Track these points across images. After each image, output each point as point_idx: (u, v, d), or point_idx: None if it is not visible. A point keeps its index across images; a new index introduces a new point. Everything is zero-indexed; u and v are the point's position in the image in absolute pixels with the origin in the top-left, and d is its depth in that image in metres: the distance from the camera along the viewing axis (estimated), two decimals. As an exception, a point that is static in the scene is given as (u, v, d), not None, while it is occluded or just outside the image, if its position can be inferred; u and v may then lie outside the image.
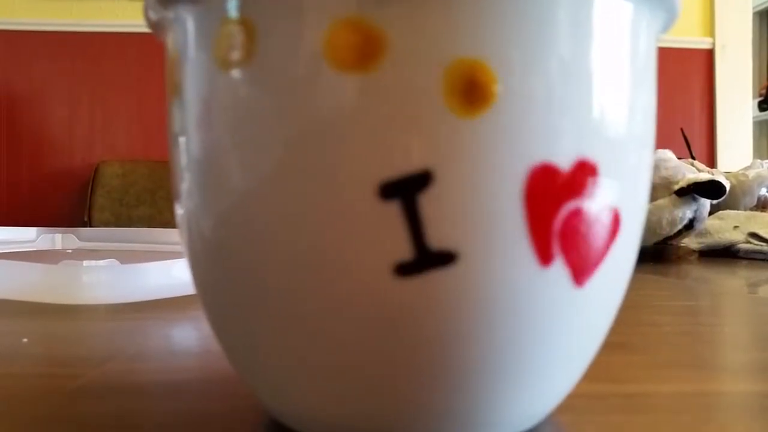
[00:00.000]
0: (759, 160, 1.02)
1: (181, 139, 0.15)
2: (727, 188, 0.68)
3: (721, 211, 0.81)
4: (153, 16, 0.16)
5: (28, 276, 0.36)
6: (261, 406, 0.19)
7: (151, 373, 0.23)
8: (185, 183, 0.15)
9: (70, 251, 0.71)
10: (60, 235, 0.74)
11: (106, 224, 2.11)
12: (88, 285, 0.36)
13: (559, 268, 0.14)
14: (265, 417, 0.18)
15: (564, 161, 0.14)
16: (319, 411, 0.15)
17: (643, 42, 0.15)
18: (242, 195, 0.14)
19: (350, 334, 0.14)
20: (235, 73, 0.14)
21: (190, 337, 0.30)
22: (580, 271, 0.15)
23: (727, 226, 0.75)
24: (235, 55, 0.14)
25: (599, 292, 0.15)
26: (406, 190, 0.13)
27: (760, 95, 2.44)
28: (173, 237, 0.69)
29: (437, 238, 0.13)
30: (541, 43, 0.13)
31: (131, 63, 2.30)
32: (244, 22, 0.14)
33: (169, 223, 2.17)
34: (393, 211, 0.13)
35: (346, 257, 0.14)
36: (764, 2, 2.58)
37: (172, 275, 0.38)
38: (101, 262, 0.41)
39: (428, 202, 0.13)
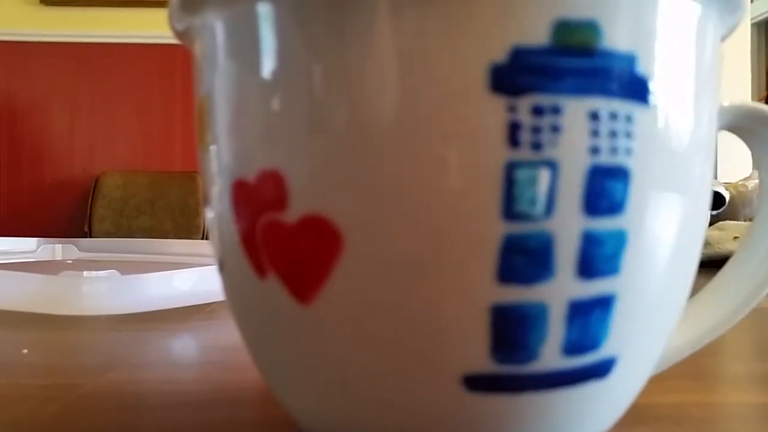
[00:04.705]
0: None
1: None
2: (727, 199, 0.68)
3: (721, 222, 0.81)
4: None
5: (29, 287, 0.36)
6: (262, 417, 0.19)
7: (152, 384, 0.23)
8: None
9: (70, 262, 0.71)
10: (60, 246, 0.74)
11: (107, 235, 2.11)
12: (89, 295, 0.35)
13: (274, 281, 0.14)
14: (265, 427, 0.18)
15: (251, 175, 0.14)
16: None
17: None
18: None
19: None
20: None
21: (191, 347, 0.30)
22: (300, 288, 0.14)
23: (727, 237, 0.75)
24: None
25: (331, 314, 0.13)
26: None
27: (759, 106, 2.44)
28: (173, 248, 0.69)
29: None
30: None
31: (132, 73, 2.31)
32: None
33: (168, 233, 2.17)
34: None
35: None
36: (763, 13, 2.59)
37: (172, 286, 0.38)
38: (102, 273, 0.41)
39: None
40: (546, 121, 0.12)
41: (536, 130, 0.12)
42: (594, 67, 0.12)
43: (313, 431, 0.16)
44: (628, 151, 0.13)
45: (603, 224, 0.13)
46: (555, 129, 0.12)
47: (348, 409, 0.15)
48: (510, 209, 0.12)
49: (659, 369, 0.18)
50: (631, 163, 0.13)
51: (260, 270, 0.14)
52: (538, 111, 0.12)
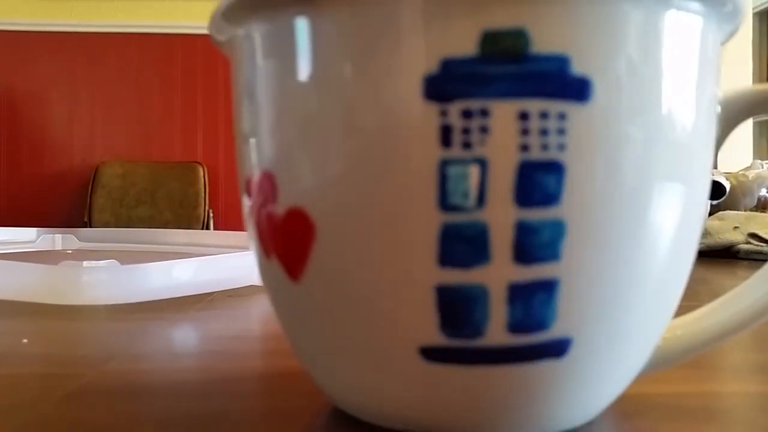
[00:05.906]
0: (759, 161, 1.02)
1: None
2: (727, 189, 0.68)
3: (721, 212, 0.81)
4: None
5: (29, 276, 0.36)
6: (262, 407, 0.19)
7: (152, 374, 0.23)
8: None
9: (70, 252, 0.71)
10: (60, 236, 0.74)
11: (106, 225, 2.11)
12: (88, 285, 0.36)
13: (275, 261, 0.16)
14: (265, 417, 0.18)
15: (256, 175, 0.16)
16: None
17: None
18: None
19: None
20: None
21: (191, 337, 0.30)
22: (291, 267, 0.16)
23: (727, 227, 0.75)
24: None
25: (315, 290, 0.16)
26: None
27: (760, 96, 2.43)
28: (173, 237, 0.69)
29: None
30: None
31: (132, 63, 2.30)
32: None
33: (168, 223, 2.17)
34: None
35: None
36: (764, 2, 2.58)
37: (172, 276, 0.38)
38: (101, 263, 0.41)
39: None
40: (475, 122, 0.13)
41: (466, 131, 0.13)
42: (522, 71, 0.13)
43: (332, 400, 0.18)
44: (562, 147, 0.14)
45: (537, 214, 0.14)
46: (483, 130, 0.13)
47: (335, 380, 0.17)
48: (445, 201, 0.14)
49: (664, 366, 0.18)
50: (566, 158, 0.14)
51: (266, 252, 0.17)
52: (467, 114, 0.13)
